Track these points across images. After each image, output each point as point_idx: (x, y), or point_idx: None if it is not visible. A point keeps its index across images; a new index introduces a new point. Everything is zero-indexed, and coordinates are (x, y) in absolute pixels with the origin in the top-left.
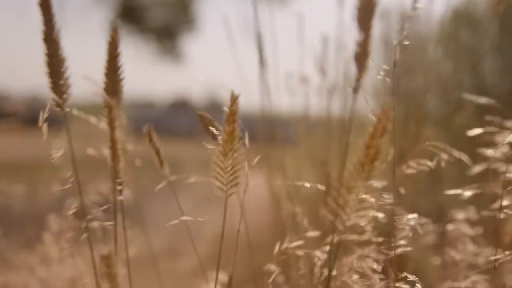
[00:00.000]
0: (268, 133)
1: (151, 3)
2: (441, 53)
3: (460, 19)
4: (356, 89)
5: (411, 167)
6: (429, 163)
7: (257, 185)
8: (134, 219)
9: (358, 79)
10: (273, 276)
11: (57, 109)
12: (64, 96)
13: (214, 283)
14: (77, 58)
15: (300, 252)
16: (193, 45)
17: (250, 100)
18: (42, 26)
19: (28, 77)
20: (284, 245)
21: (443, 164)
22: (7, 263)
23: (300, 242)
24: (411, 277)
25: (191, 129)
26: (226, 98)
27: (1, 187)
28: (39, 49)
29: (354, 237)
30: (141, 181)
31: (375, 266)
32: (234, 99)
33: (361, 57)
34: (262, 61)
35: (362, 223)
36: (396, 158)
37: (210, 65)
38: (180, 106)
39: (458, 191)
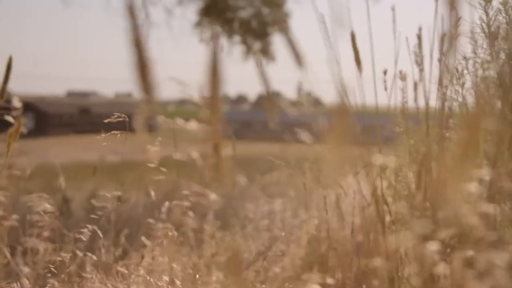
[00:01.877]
0: (366, 130)
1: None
2: None
3: None
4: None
5: None
6: None
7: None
8: (230, 221)
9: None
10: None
11: (148, 108)
12: (153, 95)
13: (312, 285)
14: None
15: (406, 247)
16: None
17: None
18: (129, 31)
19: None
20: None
21: None
22: (108, 269)
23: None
24: None
25: (279, 126)
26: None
27: (98, 190)
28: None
29: (466, 232)
30: (237, 183)
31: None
32: None
33: (451, 38)
34: (357, 59)
35: (471, 216)
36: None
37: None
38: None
39: None
